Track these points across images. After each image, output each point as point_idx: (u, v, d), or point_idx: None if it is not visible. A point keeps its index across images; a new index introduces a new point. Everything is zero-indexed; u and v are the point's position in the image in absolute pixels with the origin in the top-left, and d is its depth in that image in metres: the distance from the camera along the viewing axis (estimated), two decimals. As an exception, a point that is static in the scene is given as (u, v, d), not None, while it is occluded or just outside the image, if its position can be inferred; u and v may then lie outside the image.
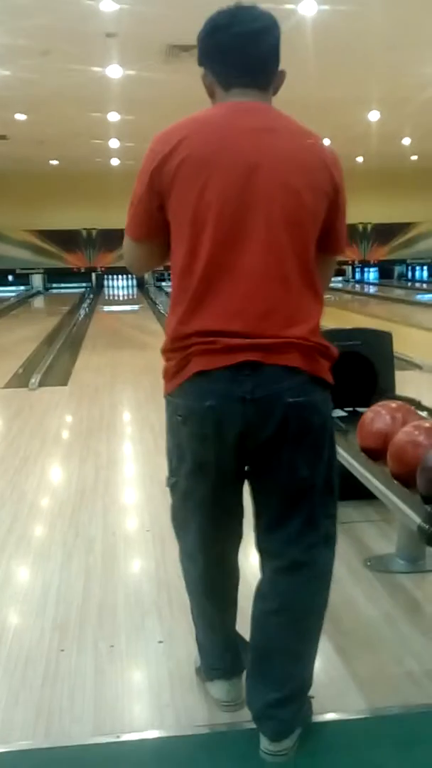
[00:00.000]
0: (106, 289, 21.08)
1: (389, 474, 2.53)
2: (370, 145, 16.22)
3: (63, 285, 21.54)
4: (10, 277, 21.61)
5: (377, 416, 2.81)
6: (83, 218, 21.10)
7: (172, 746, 1.95)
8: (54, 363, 8.05)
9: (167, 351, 1.80)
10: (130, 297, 19.59)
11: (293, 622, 1.84)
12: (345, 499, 3.33)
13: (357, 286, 22.20)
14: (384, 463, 2.61)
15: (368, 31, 8.27)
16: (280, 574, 1.84)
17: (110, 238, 19.97)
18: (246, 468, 1.81)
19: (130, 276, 21.05)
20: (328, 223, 1.81)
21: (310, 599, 1.86)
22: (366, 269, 23.61)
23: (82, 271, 22.09)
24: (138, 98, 11.34)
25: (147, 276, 20.14)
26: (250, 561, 2.02)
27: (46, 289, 21.63)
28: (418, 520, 2.19)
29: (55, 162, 18.40)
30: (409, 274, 23.31)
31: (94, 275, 21.94)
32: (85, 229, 21.73)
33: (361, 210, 21.47)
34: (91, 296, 18.93)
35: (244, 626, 1.97)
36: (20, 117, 12.95)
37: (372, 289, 21.11)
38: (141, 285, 20.57)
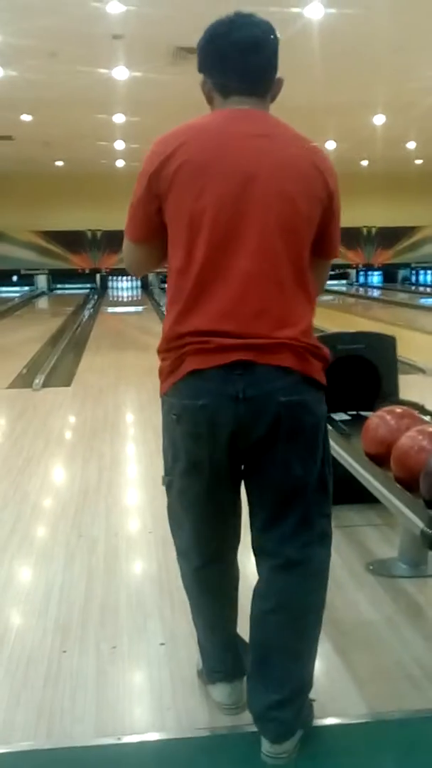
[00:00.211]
0: (110, 291, 21.12)
1: (392, 478, 2.53)
2: (375, 148, 16.25)
3: (67, 286, 21.58)
4: (14, 278, 21.64)
5: (382, 422, 2.80)
6: (88, 219, 21.13)
7: (173, 748, 1.95)
8: (58, 364, 8.07)
9: (162, 351, 1.84)
10: (135, 298, 19.61)
11: (291, 621, 1.85)
12: (348, 502, 3.37)
13: (361, 289, 22.19)
14: (388, 467, 2.60)
15: (374, 34, 8.28)
16: (276, 573, 1.86)
17: (115, 240, 19.94)
18: (242, 467, 1.84)
19: (134, 277, 21.08)
20: (322, 229, 1.85)
21: (306, 597, 1.87)
22: (370, 273, 23.61)
23: (87, 272, 22.11)
24: (144, 100, 11.36)
25: (151, 277, 20.16)
26: (251, 562, 2.02)
27: (51, 289, 21.66)
28: (421, 524, 2.19)
29: (60, 163, 18.44)
30: (413, 278, 23.30)
31: (98, 276, 21.96)
32: (89, 230, 21.77)
33: (366, 213, 21.49)
34: (96, 297, 18.97)
35: (244, 626, 1.97)
36: (26, 118, 12.99)
37: (376, 293, 21.09)
38: (145, 286, 20.58)
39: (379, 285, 23.01)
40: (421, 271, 23.10)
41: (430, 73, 9.95)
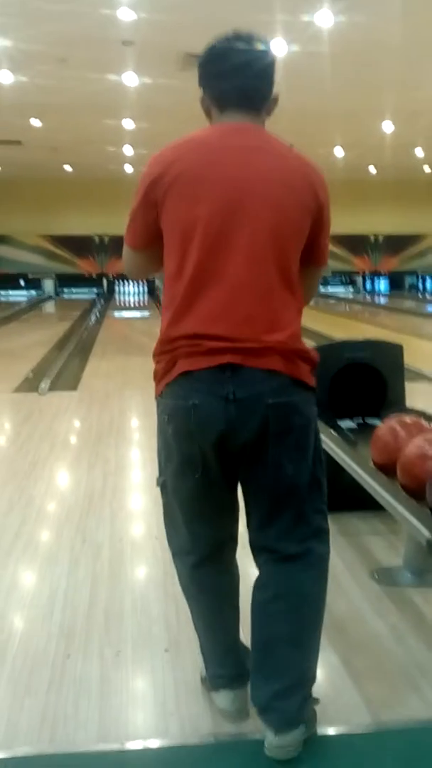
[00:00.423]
0: (117, 295, 21.15)
1: (398, 486, 2.53)
2: (383, 155, 16.27)
3: (74, 290, 21.64)
4: (22, 282, 21.71)
5: (391, 432, 2.79)
6: (96, 224, 21.18)
7: (176, 755, 1.95)
8: (64, 368, 8.08)
9: (157, 354, 1.91)
10: (141, 303, 19.64)
11: (290, 610, 1.88)
12: (352, 510, 3.36)
13: (367, 296, 22.18)
14: (395, 476, 2.60)
15: (383, 42, 8.30)
16: (275, 565, 1.90)
17: (122, 245, 19.93)
18: (236, 470, 1.88)
19: (140, 282, 21.12)
20: (312, 238, 1.91)
21: (304, 586, 1.90)
22: (377, 279, 23.60)
23: (94, 276, 22.16)
24: (153, 106, 11.40)
25: (158, 282, 20.20)
26: (251, 563, 2.02)
27: (58, 294, 21.72)
28: (427, 533, 2.19)
29: (69, 168, 18.51)
30: (420, 286, 23.28)
31: (105, 281, 22.01)
32: (97, 235, 21.81)
33: (373, 220, 21.51)
34: (102, 302, 19.01)
35: (246, 632, 1.97)
36: (35, 123, 13.05)
37: (382, 300, 21.08)
38: (152, 291, 20.62)
39: (386, 292, 23.01)
40: (428, 279, 23.09)
41: (439, 80, 9.97)
